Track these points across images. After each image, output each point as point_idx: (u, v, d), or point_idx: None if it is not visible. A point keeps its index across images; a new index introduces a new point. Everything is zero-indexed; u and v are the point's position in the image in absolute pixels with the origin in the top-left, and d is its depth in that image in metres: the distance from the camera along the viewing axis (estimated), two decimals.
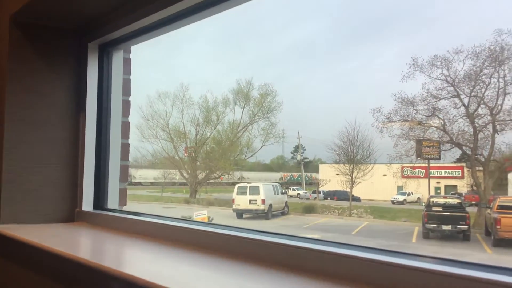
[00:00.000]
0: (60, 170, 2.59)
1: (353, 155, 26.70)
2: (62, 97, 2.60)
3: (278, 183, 31.40)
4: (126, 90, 2.65)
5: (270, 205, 23.97)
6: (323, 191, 32.59)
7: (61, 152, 2.59)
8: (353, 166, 26.32)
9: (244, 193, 23.98)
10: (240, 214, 23.72)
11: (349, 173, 26.36)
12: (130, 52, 2.64)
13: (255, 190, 23.73)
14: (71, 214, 2.61)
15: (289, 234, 1.62)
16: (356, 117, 32.43)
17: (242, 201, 23.81)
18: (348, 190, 26.68)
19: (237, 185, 25.63)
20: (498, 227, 15.27)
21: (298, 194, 33.82)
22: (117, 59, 2.61)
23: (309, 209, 26.04)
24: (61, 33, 2.59)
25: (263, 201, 23.48)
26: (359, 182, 26.32)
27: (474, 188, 21.95)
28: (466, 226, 17.05)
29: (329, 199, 30.90)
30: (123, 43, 2.46)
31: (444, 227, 17.02)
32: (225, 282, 1.42)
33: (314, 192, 33.27)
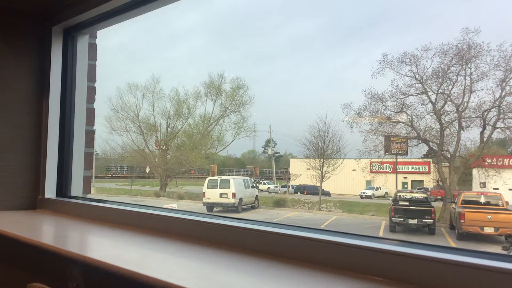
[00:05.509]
0: (22, 156, 2.53)
1: (324, 150, 26.97)
2: (26, 82, 2.54)
3: (249, 177, 31.42)
4: (91, 76, 2.61)
5: (241, 199, 23.96)
6: (293, 186, 32.82)
7: (23, 137, 2.54)
8: (323, 160, 26.59)
9: (214, 187, 23.88)
10: (210, 207, 23.62)
11: (319, 168, 26.61)
12: (95, 37, 2.60)
13: (225, 184, 23.66)
14: (33, 202, 2.55)
15: (249, 219, 1.63)
16: (327, 112, 32.69)
17: (212, 195, 23.71)
18: (318, 184, 26.92)
19: (207, 179, 25.53)
20: (462, 221, 15.69)
21: (269, 188, 33.96)
22: (82, 44, 2.56)
23: (279, 203, 26.17)
24: (25, 16, 2.53)
25: (234, 195, 23.44)
26: (329, 176, 26.62)
27: (440, 183, 22.46)
28: (432, 220, 17.45)
29: (299, 193, 31.15)
30: (88, 27, 2.42)
31: (410, 221, 17.37)
32: (182, 264, 1.42)
33: (284, 186, 33.45)
